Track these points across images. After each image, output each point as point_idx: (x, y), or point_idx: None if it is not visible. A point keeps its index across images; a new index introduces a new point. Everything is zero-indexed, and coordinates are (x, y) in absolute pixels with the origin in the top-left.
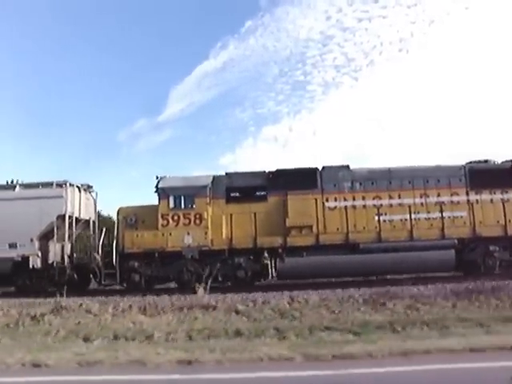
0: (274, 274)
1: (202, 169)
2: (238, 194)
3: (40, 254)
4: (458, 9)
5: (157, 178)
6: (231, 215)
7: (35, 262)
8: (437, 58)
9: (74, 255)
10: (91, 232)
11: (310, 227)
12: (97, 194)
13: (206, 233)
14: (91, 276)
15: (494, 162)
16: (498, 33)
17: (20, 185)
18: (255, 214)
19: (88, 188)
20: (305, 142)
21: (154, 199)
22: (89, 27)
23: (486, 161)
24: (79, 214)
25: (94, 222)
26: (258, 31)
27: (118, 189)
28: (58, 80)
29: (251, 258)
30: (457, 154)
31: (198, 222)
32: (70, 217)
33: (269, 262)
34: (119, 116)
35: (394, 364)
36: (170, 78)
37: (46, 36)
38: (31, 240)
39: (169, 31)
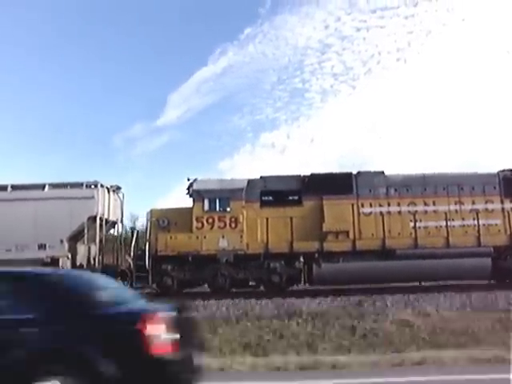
0: (306, 280)
1: (199, 174)
2: (271, 198)
3: (70, 256)
4: (454, 20)
5: (188, 179)
6: (267, 219)
7: (65, 263)
8: (434, 68)
9: (104, 257)
10: (117, 233)
11: (347, 232)
12: (124, 195)
13: (241, 236)
14: (119, 279)
15: None
16: (494, 44)
17: (49, 184)
18: (291, 218)
19: (117, 189)
20: (302, 148)
21: (155, 201)
22: (87, 32)
23: None
24: (108, 215)
25: (121, 224)
26: (257, 38)
27: None
28: (54, 84)
29: (284, 262)
30: (452, 161)
31: (233, 225)
32: (101, 218)
33: (302, 268)
34: (116, 121)
35: None
36: (169, 83)
37: (43, 41)
38: (61, 241)
39: (168, 37)
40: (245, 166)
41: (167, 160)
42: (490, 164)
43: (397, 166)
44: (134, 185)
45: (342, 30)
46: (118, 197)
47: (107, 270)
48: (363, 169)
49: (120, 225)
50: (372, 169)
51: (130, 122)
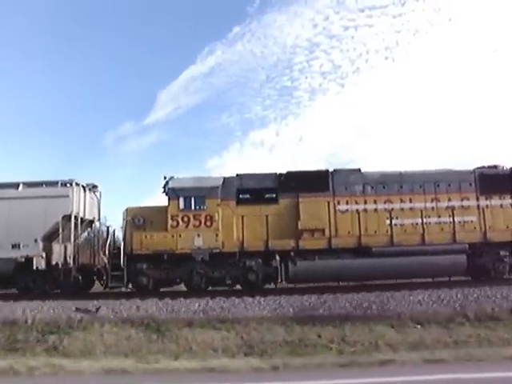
0: (283, 278)
1: (188, 172)
2: (248, 196)
3: (44, 255)
4: (441, 20)
5: (164, 178)
6: (242, 217)
7: (39, 263)
8: (421, 67)
9: (80, 256)
10: (94, 232)
11: (323, 230)
12: (101, 193)
13: (216, 235)
14: (95, 278)
15: (503, 167)
16: (481, 43)
17: (23, 183)
18: (267, 216)
19: (93, 187)
20: (291, 146)
21: (142, 199)
22: (75, 31)
23: (495, 166)
24: (84, 214)
25: (98, 223)
26: (245, 37)
27: (105, 190)
28: (44, 82)
29: (260, 261)
30: (441, 160)
31: (208, 223)
32: (76, 217)
33: (279, 266)
34: (105, 119)
35: None
36: (157, 81)
37: (31, 40)
38: (35, 240)
39: (157, 35)
40: (234, 164)
41: (156, 158)
42: (478, 161)
43: (385, 164)
44: (124, 183)
45: (331, 29)
46: (95, 195)
47: (82, 269)
48: (351, 166)
49: (97, 223)
50: (361, 167)
51: (119, 120)
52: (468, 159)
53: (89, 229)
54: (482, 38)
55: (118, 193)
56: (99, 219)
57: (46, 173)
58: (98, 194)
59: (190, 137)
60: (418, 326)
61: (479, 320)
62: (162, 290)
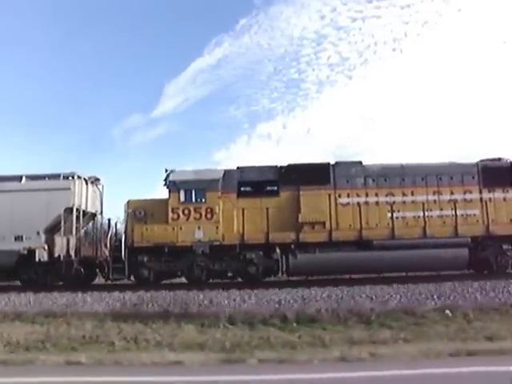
0: (284, 271)
1: (195, 164)
2: (249, 189)
3: (46, 247)
4: (450, 10)
5: (166, 171)
6: (243, 210)
7: (41, 255)
8: (430, 59)
9: (82, 249)
10: (98, 225)
11: (323, 223)
12: (103, 186)
13: (217, 227)
14: (97, 270)
15: (507, 160)
16: (490, 34)
17: (26, 176)
18: (267, 209)
19: (95, 180)
20: (299, 139)
21: (150, 192)
22: (84, 24)
23: (499, 159)
24: (86, 206)
25: (101, 215)
26: (252, 29)
27: (113, 183)
28: (52, 75)
29: (261, 253)
30: (449, 152)
31: (209, 216)
32: (78, 210)
33: (279, 258)
34: (113, 111)
35: None
36: (165, 74)
37: (42, 33)
38: (37, 233)
39: (164, 28)
40: (241, 156)
41: (164, 150)
42: (487, 154)
43: (393, 156)
44: (132, 175)
45: (338, 21)
46: (98, 188)
47: (85, 262)
48: (359, 158)
49: (100, 216)
50: (368, 159)
51: (127, 112)
52: (476, 151)
53: (92, 221)
54: (491, 30)
55: (126, 185)
56: (102, 212)
57: (53, 165)
58: (100, 187)
59: (197, 129)
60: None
61: None
62: None
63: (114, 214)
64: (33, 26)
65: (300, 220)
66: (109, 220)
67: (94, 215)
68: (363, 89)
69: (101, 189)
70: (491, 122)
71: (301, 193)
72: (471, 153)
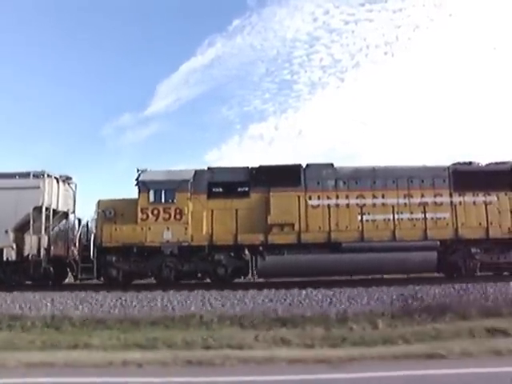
0: (255, 272)
1: (187, 164)
2: (219, 190)
3: (15, 247)
4: (441, 15)
5: (138, 170)
6: (212, 211)
7: (9, 254)
8: (421, 62)
9: (52, 248)
10: (70, 224)
11: (292, 225)
12: (76, 185)
13: (186, 228)
14: (68, 270)
15: (478, 164)
16: (481, 40)
17: None
18: (237, 210)
19: (67, 179)
20: (290, 140)
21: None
22: (76, 22)
23: (470, 163)
24: (57, 205)
25: (73, 214)
26: (245, 30)
27: (103, 182)
28: (42, 73)
29: (232, 254)
30: (440, 154)
31: (178, 217)
32: (47, 208)
33: (250, 260)
34: (104, 110)
35: None
36: (157, 73)
37: (31, 30)
38: (6, 231)
39: (157, 27)
40: (232, 157)
41: (156, 150)
42: (477, 157)
43: (385, 158)
44: (123, 174)
45: (331, 23)
46: (70, 187)
47: (55, 261)
48: (351, 160)
49: (72, 215)
50: (359, 161)
51: (118, 111)
52: (467, 154)
53: (64, 220)
54: (482, 35)
55: (117, 184)
56: (74, 211)
57: (43, 164)
58: (73, 186)
59: (189, 129)
60: None
61: None
62: None
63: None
64: (26, 23)
65: (269, 222)
66: (79, 219)
67: (66, 214)
68: (355, 91)
69: (73, 187)
70: (481, 126)
71: (271, 194)
72: (461, 155)
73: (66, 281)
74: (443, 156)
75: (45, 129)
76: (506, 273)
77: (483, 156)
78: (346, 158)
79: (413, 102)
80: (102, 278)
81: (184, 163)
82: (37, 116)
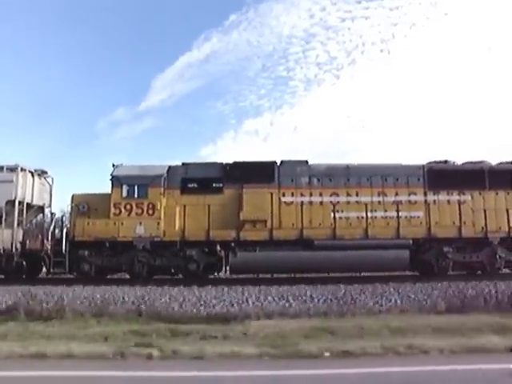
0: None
1: (182, 159)
2: (193, 185)
3: None
4: (437, 14)
5: (113, 165)
6: (185, 206)
7: None
8: (417, 60)
9: (28, 242)
10: (45, 218)
11: (264, 222)
12: (53, 179)
13: (158, 223)
14: (43, 264)
15: (454, 163)
16: (476, 40)
17: None
18: (209, 206)
19: (42, 173)
20: (285, 136)
21: None
22: (71, 17)
23: (445, 161)
24: (32, 199)
25: (49, 208)
26: (241, 25)
27: (96, 177)
28: (37, 67)
29: (206, 250)
30: (435, 153)
31: (150, 212)
32: (21, 202)
33: (223, 256)
34: (98, 104)
35: None
36: (152, 67)
37: (25, 24)
38: None
39: (153, 22)
40: (228, 151)
41: (150, 144)
42: (471, 155)
43: (379, 155)
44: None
45: (327, 20)
46: (46, 181)
47: (29, 255)
48: (345, 157)
49: (48, 209)
50: (353, 157)
51: (113, 105)
52: (461, 152)
53: (40, 214)
54: (477, 35)
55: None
56: (50, 205)
57: (36, 158)
58: (49, 180)
59: (184, 124)
60: None
61: None
62: None
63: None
64: (19, 18)
65: (241, 218)
66: (52, 213)
67: (41, 208)
68: (351, 88)
69: (50, 182)
70: (476, 124)
71: (244, 191)
72: (456, 153)
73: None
74: (438, 153)
75: (38, 124)
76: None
77: (480, 154)
78: (340, 155)
79: (409, 100)
80: (74, 273)
81: (179, 158)
82: (29, 111)
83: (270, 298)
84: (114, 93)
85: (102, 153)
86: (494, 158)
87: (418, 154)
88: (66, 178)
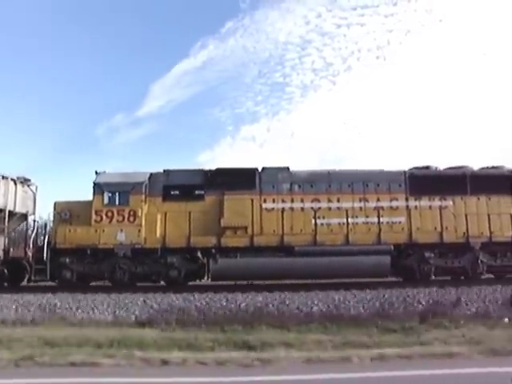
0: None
1: (179, 165)
2: (174, 192)
3: None
4: (432, 21)
5: (96, 173)
6: (166, 213)
7: None
8: (412, 66)
9: (11, 250)
10: (28, 226)
11: (245, 228)
12: (37, 187)
13: (139, 230)
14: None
15: (436, 169)
16: (471, 46)
17: None
18: (190, 213)
19: (25, 181)
20: (282, 142)
21: None
22: (70, 23)
23: (427, 167)
24: (14, 207)
25: (32, 216)
26: (237, 32)
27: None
28: (35, 73)
29: (188, 257)
30: (431, 159)
31: (131, 219)
32: (3, 210)
33: (205, 263)
34: (97, 110)
35: None
36: (150, 74)
37: (24, 30)
38: None
39: (150, 29)
40: (225, 158)
41: (148, 151)
42: (467, 161)
43: (376, 161)
44: None
45: (323, 27)
46: (30, 189)
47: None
48: (341, 163)
49: (32, 217)
50: (350, 163)
51: (111, 111)
52: (457, 158)
53: (24, 222)
54: (472, 41)
55: None
56: (34, 212)
57: (37, 164)
58: (33, 188)
59: (182, 130)
60: None
61: None
62: None
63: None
64: (16, 25)
65: (222, 224)
66: (34, 221)
67: (25, 216)
68: (347, 94)
69: (34, 189)
70: (471, 130)
71: (225, 197)
72: (452, 160)
73: None
74: (434, 159)
75: (38, 127)
76: (462, 277)
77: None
78: (337, 161)
79: (404, 106)
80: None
81: (177, 164)
82: (28, 116)
83: None
84: (112, 99)
85: (100, 158)
86: (493, 163)
87: (415, 160)
88: (67, 183)
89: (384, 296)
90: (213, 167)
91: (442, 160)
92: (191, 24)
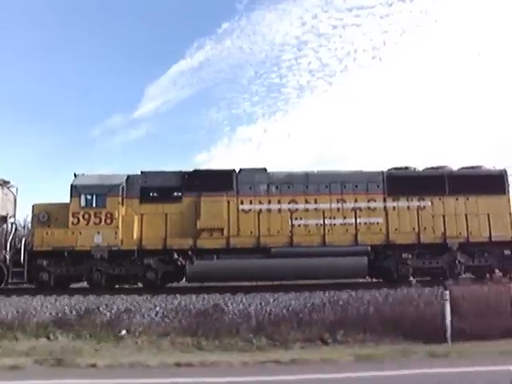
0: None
1: (175, 166)
2: (152, 194)
3: None
4: (428, 21)
5: (74, 175)
6: (143, 215)
7: None
8: (408, 67)
9: None
10: (7, 228)
11: (221, 230)
12: (17, 189)
13: (116, 232)
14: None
15: (414, 169)
16: (466, 46)
17: None
18: (167, 214)
19: (5, 183)
20: (279, 143)
21: None
22: (65, 24)
23: (406, 167)
24: None
25: (12, 218)
26: (234, 33)
27: None
28: (28, 73)
29: (166, 259)
30: (427, 159)
31: (108, 221)
32: None
33: (184, 264)
34: (93, 111)
35: None
36: (146, 75)
37: (23, 28)
38: None
39: (145, 29)
40: (221, 159)
41: (145, 152)
42: (463, 161)
43: (373, 161)
44: None
45: (319, 28)
46: (10, 191)
47: None
48: (338, 164)
49: (12, 219)
50: (346, 164)
51: (107, 112)
52: (454, 159)
53: (4, 225)
54: (467, 41)
55: None
56: (14, 215)
57: (32, 164)
58: (13, 190)
59: (178, 131)
60: None
61: None
62: None
63: None
64: (13, 24)
65: (198, 226)
66: (12, 223)
67: (4, 218)
68: (343, 95)
69: (14, 191)
70: (467, 130)
71: (202, 199)
72: (449, 160)
73: None
74: (430, 160)
75: (32, 127)
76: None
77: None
78: (334, 161)
79: (401, 106)
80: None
81: (173, 165)
82: (22, 117)
83: None
84: (108, 100)
85: (96, 160)
86: (491, 163)
87: (411, 159)
88: (65, 184)
89: None
90: (212, 168)
91: (441, 160)
92: (187, 25)
